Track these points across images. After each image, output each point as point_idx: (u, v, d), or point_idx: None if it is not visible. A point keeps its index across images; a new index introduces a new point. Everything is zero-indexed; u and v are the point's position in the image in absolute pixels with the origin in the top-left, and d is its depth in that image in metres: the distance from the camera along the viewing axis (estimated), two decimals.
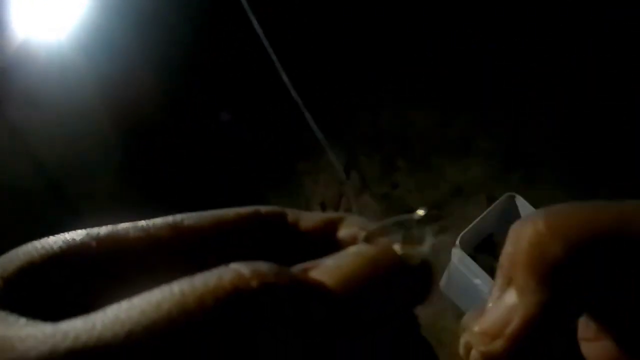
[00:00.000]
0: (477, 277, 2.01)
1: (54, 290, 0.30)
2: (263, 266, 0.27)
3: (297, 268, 0.32)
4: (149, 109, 2.40)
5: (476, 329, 0.43)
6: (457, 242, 2.04)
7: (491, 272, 2.35)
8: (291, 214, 0.40)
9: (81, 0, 1.85)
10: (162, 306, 0.25)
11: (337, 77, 3.08)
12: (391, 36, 3.28)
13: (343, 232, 0.40)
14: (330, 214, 0.41)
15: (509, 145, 2.91)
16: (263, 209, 0.39)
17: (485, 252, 2.42)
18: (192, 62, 2.68)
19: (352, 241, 0.39)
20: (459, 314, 2.23)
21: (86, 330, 0.24)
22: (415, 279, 0.36)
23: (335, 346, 0.28)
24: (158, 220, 0.35)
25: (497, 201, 2.23)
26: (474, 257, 2.37)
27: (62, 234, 0.32)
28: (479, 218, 2.14)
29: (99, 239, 0.32)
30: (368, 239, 0.38)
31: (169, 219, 0.35)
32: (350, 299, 0.30)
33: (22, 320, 0.26)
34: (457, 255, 2.06)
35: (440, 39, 3.26)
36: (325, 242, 0.40)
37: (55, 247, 0.31)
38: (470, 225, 2.11)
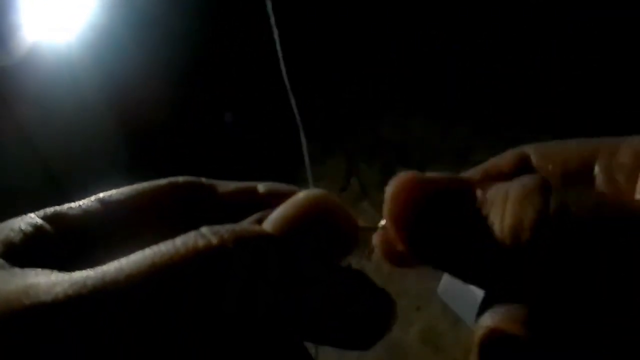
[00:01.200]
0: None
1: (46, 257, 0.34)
2: (223, 228, 0.32)
3: (248, 221, 0.39)
4: (155, 110, 2.41)
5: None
6: None
7: None
8: (207, 181, 0.44)
9: (89, 2, 1.86)
10: (155, 259, 0.30)
11: (338, 85, 3.10)
12: (393, 45, 3.31)
13: (262, 187, 0.45)
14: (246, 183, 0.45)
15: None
16: (180, 179, 0.43)
17: None
18: (197, 63, 2.69)
19: (275, 193, 0.44)
20: (456, 319, 2.23)
21: (98, 276, 0.29)
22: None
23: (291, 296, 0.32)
24: (93, 197, 0.39)
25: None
26: None
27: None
28: None
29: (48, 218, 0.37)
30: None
31: (100, 195, 0.40)
32: (294, 237, 0.34)
33: (40, 271, 0.31)
34: None
35: (441, 50, 3.28)
36: (246, 204, 0.43)
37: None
38: None
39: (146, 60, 2.32)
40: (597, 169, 0.41)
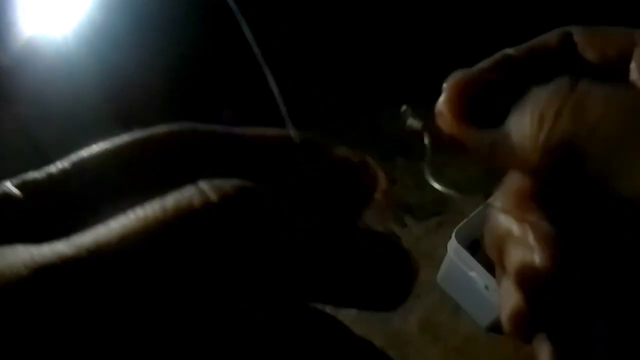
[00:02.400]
0: (473, 269, 2.02)
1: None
2: (226, 182, 0.30)
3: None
4: (154, 106, 2.39)
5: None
6: (453, 234, 2.04)
7: (488, 266, 2.36)
8: (222, 130, 0.41)
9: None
10: (140, 220, 0.27)
11: (336, 79, 3.09)
12: (390, 37, 3.29)
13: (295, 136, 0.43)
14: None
15: None
16: (183, 126, 0.38)
17: (482, 247, 2.42)
18: (197, 59, 2.67)
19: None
20: (455, 308, 2.23)
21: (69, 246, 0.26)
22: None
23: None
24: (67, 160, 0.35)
25: (491, 197, 2.22)
26: (472, 251, 2.38)
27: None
28: (474, 212, 2.16)
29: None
30: None
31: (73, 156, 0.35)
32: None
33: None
34: (453, 248, 2.06)
35: (436, 39, 3.27)
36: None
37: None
38: (466, 220, 2.13)
39: (145, 56, 2.31)
40: (633, 60, 0.43)
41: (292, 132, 0.46)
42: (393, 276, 0.37)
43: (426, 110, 2.51)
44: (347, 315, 1.84)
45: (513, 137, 0.44)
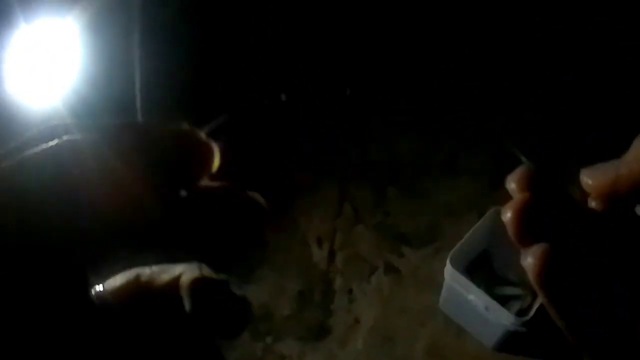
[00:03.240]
0: (471, 292, 2.04)
1: None
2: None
3: None
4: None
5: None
6: (448, 260, 2.07)
7: (488, 286, 2.40)
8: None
9: (77, 58, 1.89)
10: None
11: (325, 110, 3.14)
12: (376, 68, 3.35)
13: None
14: None
15: (496, 160, 2.96)
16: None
17: (481, 267, 2.46)
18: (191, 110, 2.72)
19: None
20: (459, 330, 2.26)
21: None
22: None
23: None
24: None
25: (484, 217, 2.27)
26: (470, 273, 2.42)
27: None
28: (467, 235, 2.18)
29: None
30: None
31: None
32: None
33: None
34: (449, 273, 2.09)
35: (421, 68, 3.33)
36: None
37: None
38: (460, 243, 2.15)
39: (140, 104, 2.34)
40: None
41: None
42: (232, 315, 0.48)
43: (412, 137, 2.51)
44: (351, 353, 1.85)
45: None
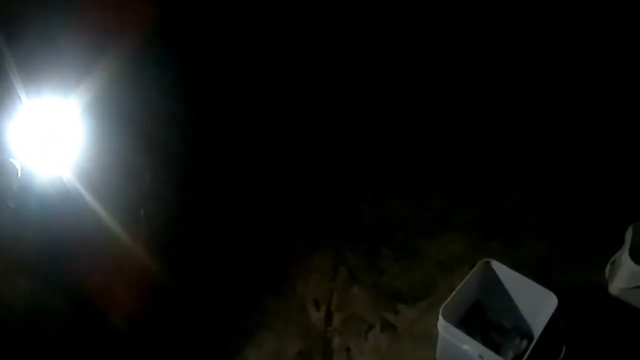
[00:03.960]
0: (465, 342, 2.09)
1: None
2: None
3: None
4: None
5: None
6: (440, 313, 2.13)
7: (483, 335, 2.48)
8: None
9: (78, 137, 2.02)
10: None
11: (316, 177, 3.31)
12: (363, 133, 3.51)
13: None
14: None
15: (485, 214, 3.07)
16: None
17: (476, 317, 2.53)
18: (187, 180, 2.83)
19: None
20: None
21: None
22: None
23: None
24: None
25: (474, 269, 2.34)
26: (465, 324, 2.50)
27: None
28: (458, 288, 2.25)
29: None
30: None
31: None
32: None
33: None
34: (442, 326, 2.15)
35: (406, 128, 3.46)
36: None
37: None
38: (451, 296, 2.21)
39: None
40: None
41: None
42: None
43: (402, 198, 2.58)
44: None
45: None
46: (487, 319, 2.52)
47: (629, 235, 2.65)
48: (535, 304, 2.32)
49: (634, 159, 3.13)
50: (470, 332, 2.17)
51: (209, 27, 3.02)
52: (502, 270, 2.41)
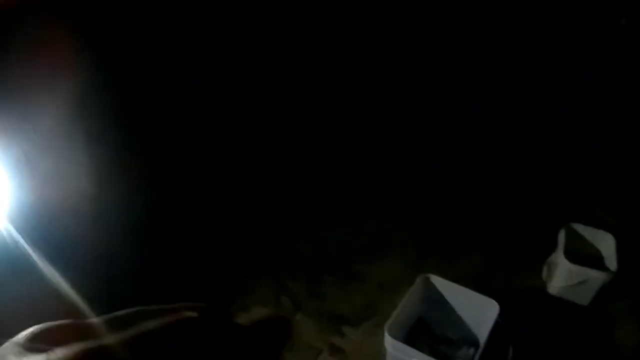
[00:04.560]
0: (412, 356, 2.10)
1: None
2: None
3: None
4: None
5: None
6: (385, 331, 2.13)
7: (431, 348, 2.48)
8: None
9: None
10: None
11: (251, 212, 3.30)
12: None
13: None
14: None
15: (418, 235, 3.12)
16: None
17: (421, 332, 2.55)
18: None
19: None
20: None
21: None
22: None
23: None
24: None
25: (413, 285, 2.36)
26: (412, 339, 2.51)
27: None
28: (400, 305, 2.27)
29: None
30: None
31: None
32: None
33: None
34: (389, 342, 2.15)
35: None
36: None
37: None
38: (394, 314, 2.23)
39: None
40: None
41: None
42: None
43: (338, 224, 2.61)
44: None
45: None
46: (432, 333, 2.55)
47: (561, 236, 2.74)
48: (478, 312, 2.38)
49: (563, 165, 3.27)
50: (418, 348, 2.18)
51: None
52: (441, 283, 2.47)
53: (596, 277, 2.59)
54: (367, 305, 2.71)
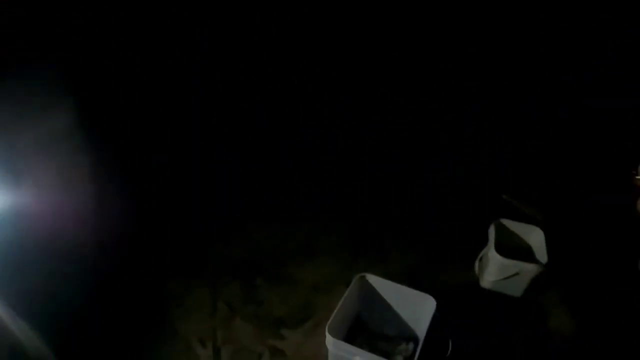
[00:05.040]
0: (355, 354, 2.10)
1: None
2: None
3: None
4: None
5: None
6: (327, 331, 2.12)
7: (370, 345, 2.50)
8: None
9: None
10: None
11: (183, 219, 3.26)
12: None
13: None
14: None
15: (351, 236, 3.16)
16: None
17: (360, 330, 2.58)
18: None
19: None
20: None
21: None
22: None
23: None
24: None
25: (350, 285, 2.37)
26: (351, 338, 2.53)
27: None
28: (339, 304, 2.27)
29: None
30: None
31: None
32: None
33: None
34: (330, 342, 2.15)
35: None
36: None
37: None
38: (334, 313, 2.23)
39: None
40: None
41: None
42: None
43: (268, 227, 2.58)
44: None
45: None
46: (370, 331, 2.58)
47: (492, 232, 2.81)
48: (415, 308, 2.44)
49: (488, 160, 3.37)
50: (357, 346, 2.20)
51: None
52: (378, 282, 2.51)
53: (527, 270, 2.70)
54: (303, 307, 2.71)
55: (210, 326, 2.63)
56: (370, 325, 2.59)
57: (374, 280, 2.47)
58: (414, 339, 2.50)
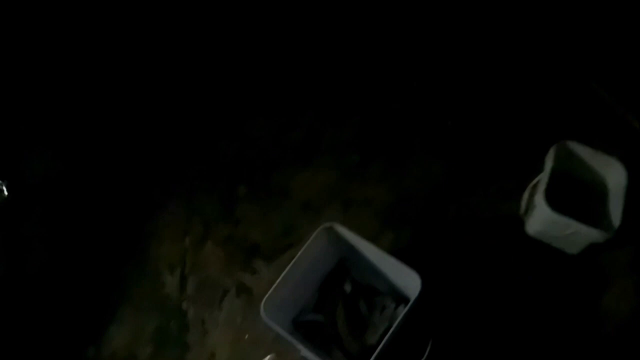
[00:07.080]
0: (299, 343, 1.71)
1: None
2: None
3: None
4: None
5: None
6: (262, 307, 1.71)
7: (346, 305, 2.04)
8: None
9: None
10: None
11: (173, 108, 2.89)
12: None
13: None
14: None
15: (362, 134, 2.59)
16: None
17: (338, 280, 2.09)
18: None
19: None
20: None
21: None
22: None
23: None
24: None
25: (311, 237, 1.83)
26: (325, 291, 2.07)
27: None
28: (280, 278, 1.79)
29: None
30: None
31: None
32: None
33: None
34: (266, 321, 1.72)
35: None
36: None
37: None
38: (272, 288, 1.75)
39: None
40: None
41: None
42: None
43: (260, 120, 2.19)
44: None
45: None
46: (354, 280, 2.07)
47: (550, 159, 2.03)
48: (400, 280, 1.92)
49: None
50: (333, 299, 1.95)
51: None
52: (353, 238, 1.91)
53: (587, 234, 1.91)
54: (284, 232, 2.28)
55: (181, 249, 2.34)
56: (353, 274, 2.06)
57: (347, 234, 1.89)
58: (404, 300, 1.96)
